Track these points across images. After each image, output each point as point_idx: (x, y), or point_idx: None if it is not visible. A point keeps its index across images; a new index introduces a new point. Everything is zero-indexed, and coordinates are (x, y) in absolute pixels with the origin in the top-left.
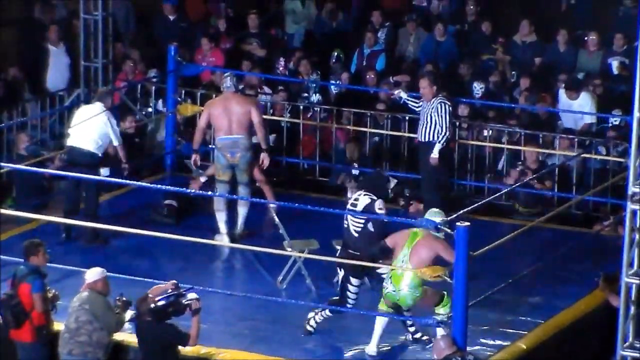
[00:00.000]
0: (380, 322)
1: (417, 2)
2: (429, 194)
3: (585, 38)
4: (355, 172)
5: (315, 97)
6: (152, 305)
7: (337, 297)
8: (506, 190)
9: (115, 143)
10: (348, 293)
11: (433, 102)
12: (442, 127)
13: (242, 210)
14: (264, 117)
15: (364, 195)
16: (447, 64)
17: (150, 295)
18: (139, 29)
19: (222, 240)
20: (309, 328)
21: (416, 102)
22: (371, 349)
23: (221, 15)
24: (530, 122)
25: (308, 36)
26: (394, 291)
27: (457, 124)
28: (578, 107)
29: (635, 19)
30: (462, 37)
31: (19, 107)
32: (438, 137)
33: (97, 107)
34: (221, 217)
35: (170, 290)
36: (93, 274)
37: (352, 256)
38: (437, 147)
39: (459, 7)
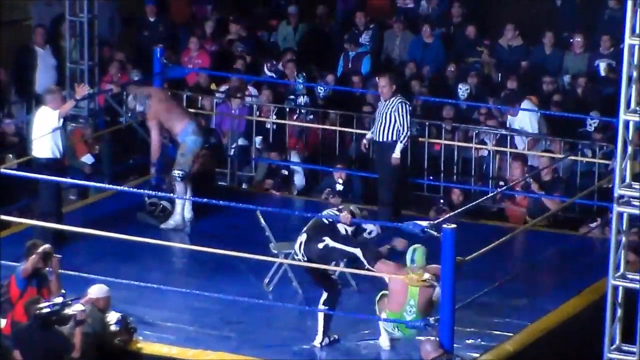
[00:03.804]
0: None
1: (401, 4)
2: (386, 194)
3: (571, 40)
4: (339, 187)
5: (302, 99)
6: (37, 312)
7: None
8: (494, 193)
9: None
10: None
11: (393, 102)
12: (403, 127)
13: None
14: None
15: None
16: (434, 65)
17: (41, 300)
18: (125, 31)
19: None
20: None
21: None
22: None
23: (207, 18)
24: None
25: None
26: (406, 337)
27: (443, 126)
28: (519, 122)
29: (621, 21)
30: (448, 40)
31: (4, 109)
32: (399, 137)
33: (44, 110)
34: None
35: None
36: (97, 290)
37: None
38: (399, 147)
39: (445, 10)
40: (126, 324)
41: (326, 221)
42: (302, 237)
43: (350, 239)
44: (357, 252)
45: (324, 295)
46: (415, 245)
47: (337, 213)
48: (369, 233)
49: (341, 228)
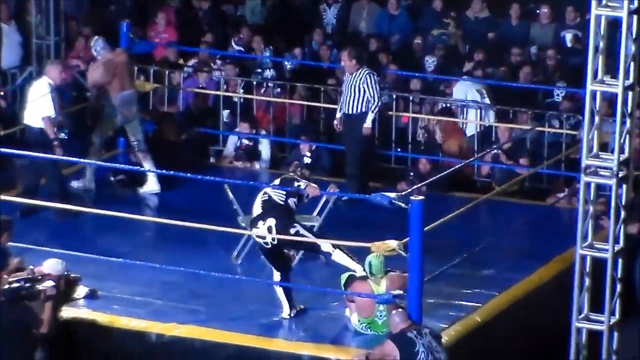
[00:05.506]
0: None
1: None
2: (355, 166)
3: (537, 11)
4: (306, 160)
5: (269, 73)
6: (6, 286)
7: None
8: (462, 164)
9: (45, 114)
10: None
11: (360, 74)
12: (372, 98)
13: (147, 166)
14: (218, 93)
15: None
16: (401, 38)
17: (4, 276)
18: (92, 6)
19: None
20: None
21: None
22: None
23: None
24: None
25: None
26: (379, 334)
27: (411, 98)
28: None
29: None
30: (414, 12)
31: None
32: (369, 108)
33: (43, 80)
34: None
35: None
36: (52, 265)
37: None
38: (370, 117)
39: None
40: (67, 276)
41: (280, 202)
42: (270, 222)
43: (311, 229)
44: (326, 245)
45: (276, 276)
46: (370, 257)
47: (297, 181)
48: (307, 197)
49: (291, 202)
